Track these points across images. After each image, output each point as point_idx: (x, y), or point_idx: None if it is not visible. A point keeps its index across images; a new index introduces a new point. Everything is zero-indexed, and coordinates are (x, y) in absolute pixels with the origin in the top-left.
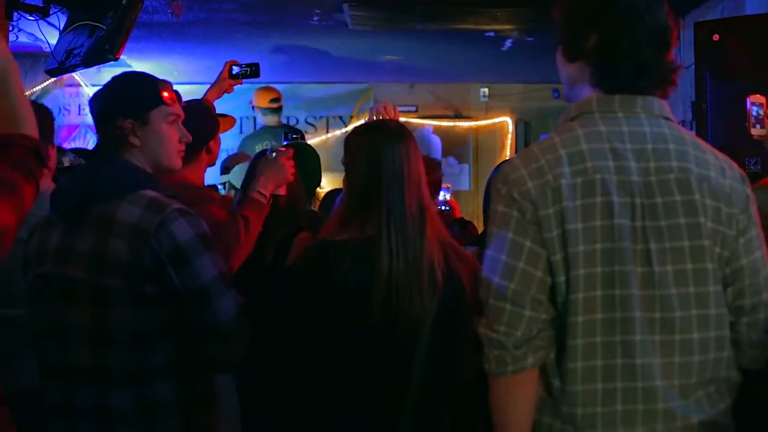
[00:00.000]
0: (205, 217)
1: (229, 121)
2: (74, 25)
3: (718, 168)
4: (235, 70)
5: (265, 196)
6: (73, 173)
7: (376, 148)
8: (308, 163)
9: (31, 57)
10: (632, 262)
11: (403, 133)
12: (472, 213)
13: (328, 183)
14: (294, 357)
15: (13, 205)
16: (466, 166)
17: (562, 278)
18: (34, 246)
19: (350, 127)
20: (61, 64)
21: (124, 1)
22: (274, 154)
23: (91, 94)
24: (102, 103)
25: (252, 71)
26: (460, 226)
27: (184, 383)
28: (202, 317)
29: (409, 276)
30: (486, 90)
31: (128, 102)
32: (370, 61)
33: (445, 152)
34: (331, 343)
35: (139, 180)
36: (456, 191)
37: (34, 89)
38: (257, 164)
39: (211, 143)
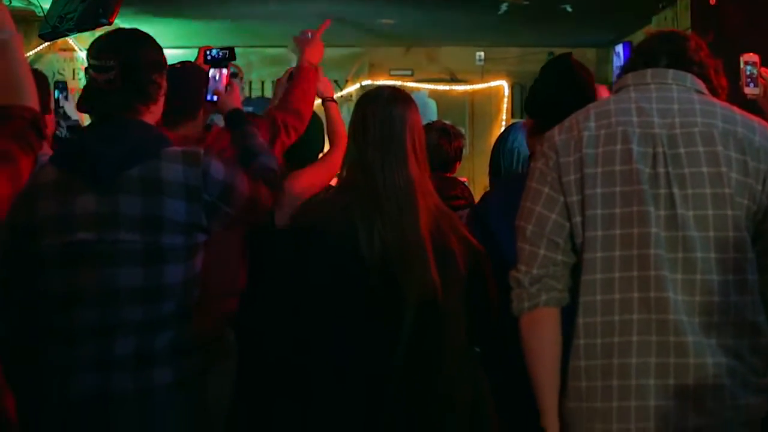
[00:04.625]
0: None
1: None
2: None
3: (748, 125)
4: (211, 54)
5: (313, 65)
6: (95, 135)
7: (368, 114)
8: (311, 127)
9: (24, 21)
10: (653, 204)
11: (397, 98)
12: (469, 177)
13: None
14: (293, 312)
15: (9, 176)
16: (462, 130)
17: (578, 218)
18: (42, 212)
19: (345, 92)
20: (55, 29)
21: None
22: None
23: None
24: (142, 51)
25: (229, 55)
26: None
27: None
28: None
29: (399, 246)
30: (482, 53)
31: (162, 59)
32: (365, 25)
33: (441, 116)
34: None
35: (163, 138)
36: None
37: (28, 54)
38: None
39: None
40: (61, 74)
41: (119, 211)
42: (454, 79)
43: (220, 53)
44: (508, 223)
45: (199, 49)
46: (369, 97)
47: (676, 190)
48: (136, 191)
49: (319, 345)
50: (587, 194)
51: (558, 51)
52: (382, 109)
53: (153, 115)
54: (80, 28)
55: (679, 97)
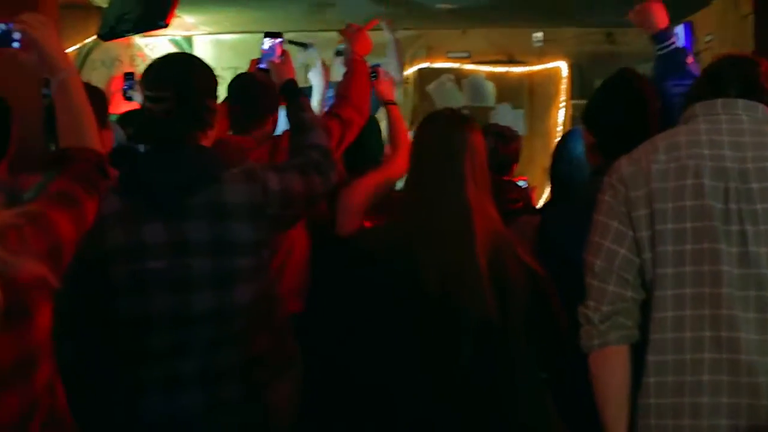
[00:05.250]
0: None
1: None
2: None
3: None
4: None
5: (362, 57)
6: (156, 164)
7: (426, 136)
8: (369, 132)
9: (82, 9)
10: (725, 241)
11: (457, 120)
12: (527, 158)
13: None
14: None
15: (74, 219)
16: (520, 112)
17: (648, 255)
18: (110, 242)
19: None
20: (112, 30)
21: None
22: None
23: (144, 45)
24: (195, 79)
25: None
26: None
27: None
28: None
29: (456, 272)
30: (540, 34)
31: (214, 84)
32: (423, 9)
33: (499, 98)
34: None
35: (223, 161)
36: None
37: (86, 41)
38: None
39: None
40: (119, 60)
41: (188, 238)
42: (512, 61)
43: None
44: (578, 248)
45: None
46: (428, 119)
47: (748, 227)
48: (203, 217)
49: (375, 372)
50: (657, 230)
51: (616, 31)
52: (440, 131)
53: (210, 138)
54: (138, 30)
55: (750, 129)
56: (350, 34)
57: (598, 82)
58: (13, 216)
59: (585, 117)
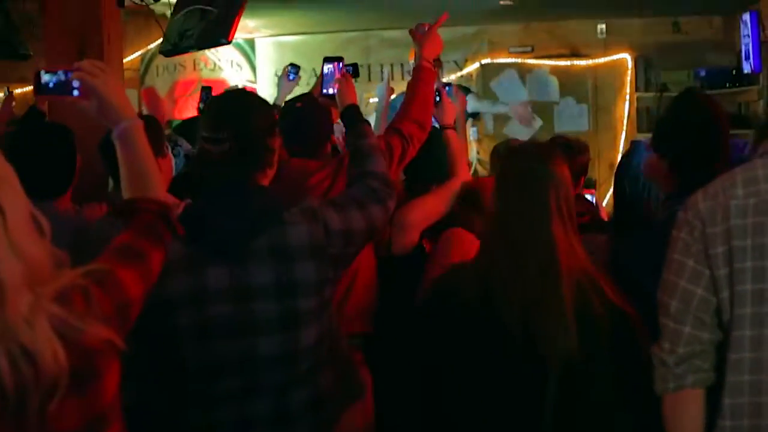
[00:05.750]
0: None
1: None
2: (185, 9)
3: None
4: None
5: (431, 62)
6: (217, 207)
7: (508, 169)
8: (436, 147)
9: (143, 15)
10: None
11: (540, 152)
12: (593, 154)
13: None
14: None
15: (140, 275)
16: (584, 107)
17: (726, 294)
18: (174, 289)
19: (465, 71)
20: (175, 46)
21: None
22: None
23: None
24: (253, 119)
25: (352, 71)
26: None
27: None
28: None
29: (539, 313)
30: (603, 26)
31: (274, 123)
32: (484, 4)
33: (563, 93)
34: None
35: (283, 201)
36: (574, 132)
37: (149, 47)
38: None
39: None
40: (181, 66)
41: (252, 282)
42: (575, 54)
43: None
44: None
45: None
46: (512, 151)
47: None
48: (266, 260)
49: (456, 413)
50: (736, 268)
51: (683, 20)
52: (523, 164)
53: (269, 177)
54: (200, 46)
55: None
56: (419, 35)
57: (664, 74)
58: (79, 276)
59: (655, 142)
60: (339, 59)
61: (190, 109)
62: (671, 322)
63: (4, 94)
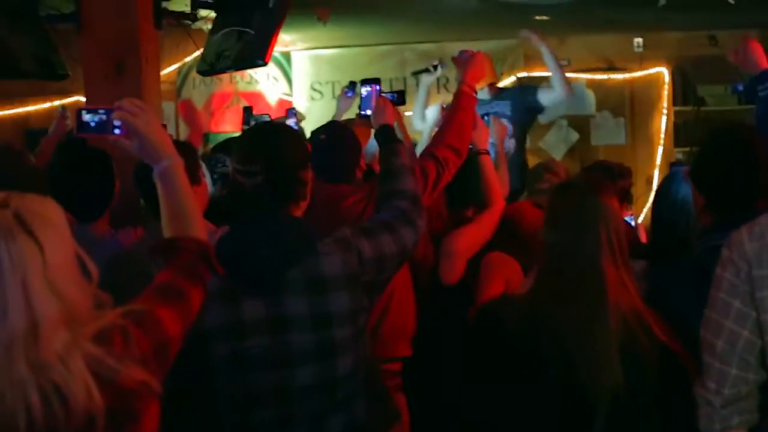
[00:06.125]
0: None
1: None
2: (223, 30)
3: None
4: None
5: (472, 88)
6: (251, 239)
7: (559, 204)
8: (468, 168)
9: (180, 28)
10: None
11: (591, 187)
12: (630, 166)
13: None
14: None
15: (180, 314)
16: (621, 120)
17: None
18: (210, 321)
19: (501, 84)
20: (212, 66)
21: (270, 4)
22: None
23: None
24: (286, 152)
25: (398, 99)
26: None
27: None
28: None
29: (585, 349)
30: (640, 40)
31: (306, 155)
32: (519, 18)
33: (599, 106)
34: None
35: (314, 231)
36: (611, 145)
37: (186, 59)
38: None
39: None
40: (218, 78)
41: (287, 313)
42: (612, 68)
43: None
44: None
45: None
46: (562, 187)
47: None
48: (301, 292)
49: None
50: None
51: (720, 34)
52: (574, 199)
53: (302, 208)
54: (237, 67)
55: None
56: (462, 60)
57: (701, 88)
58: (119, 316)
59: (693, 176)
60: (376, 80)
61: (226, 122)
62: (717, 362)
63: (59, 113)
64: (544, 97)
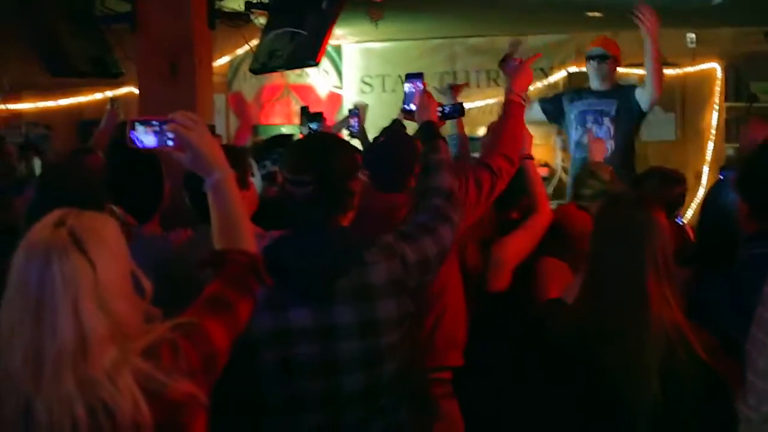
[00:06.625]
0: None
1: None
2: (276, 31)
3: None
4: (440, 112)
5: (521, 97)
6: (300, 248)
7: (607, 218)
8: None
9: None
10: None
11: (639, 202)
12: (679, 162)
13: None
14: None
15: (228, 326)
16: (671, 115)
17: None
18: (258, 328)
19: (552, 79)
20: (264, 65)
21: (323, 6)
22: None
23: None
24: (336, 163)
25: (459, 110)
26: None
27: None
28: None
29: (626, 367)
30: (693, 35)
31: (356, 166)
32: (572, 13)
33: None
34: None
35: (361, 241)
36: (661, 141)
37: (238, 52)
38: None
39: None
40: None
41: (335, 322)
42: (664, 63)
43: (450, 111)
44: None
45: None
46: (611, 200)
47: None
48: (349, 300)
49: None
50: None
51: None
52: (623, 213)
53: (349, 218)
54: (289, 66)
55: None
56: (510, 69)
57: (754, 84)
58: (168, 329)
59: (738, 183)
60: (419, 75)
61: (276, 115)
62: (759, 380)
63: (109, 107)
64: (642, 99)
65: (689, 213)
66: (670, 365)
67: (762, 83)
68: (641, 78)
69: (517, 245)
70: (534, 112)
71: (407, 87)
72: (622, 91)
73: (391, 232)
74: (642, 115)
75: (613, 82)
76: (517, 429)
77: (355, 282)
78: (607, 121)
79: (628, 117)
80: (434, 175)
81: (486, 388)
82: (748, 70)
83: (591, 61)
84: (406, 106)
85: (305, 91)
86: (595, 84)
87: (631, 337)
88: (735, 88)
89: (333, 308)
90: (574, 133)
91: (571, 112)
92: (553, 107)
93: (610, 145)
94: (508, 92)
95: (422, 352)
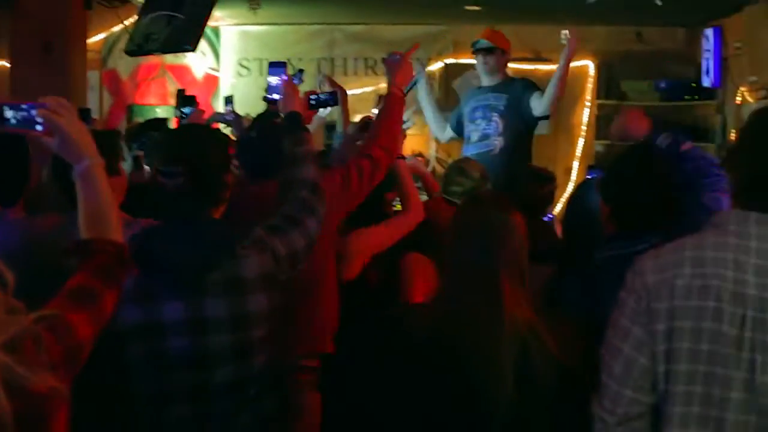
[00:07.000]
0: None
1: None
2: (153, 14)
3: None
4: (315, 100)
5: (401, 91)
6: (171, 239)
7: (464, 218)
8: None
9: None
10: (735, 368)
11: (497, 203)
12: (550, 157)
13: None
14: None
15: (92, 317)
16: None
17: (662, 368)
18: (127, 320)
19: (428, 70)
20: (140, 47)
21: None
22: None
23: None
24: (209, 155)
25: (333, 100)
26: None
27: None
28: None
29: (479, 363)
30: (567, 32)
31: (229, 158)
32: (450, 9)
33: None
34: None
35: (234, 234)
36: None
37: (113, 29)
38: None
39: None
40: None
41: (206, 315)
42: (539, 59)
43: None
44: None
45: (304, 93)
46: (470, 200)
47: (758, 356)
48: (220, 294)
49: None
50: (674, 347)
51: (646, 30)
52: (480, 213)
53: (220, 211)
54: (165, 50)
55: None
56: (392, 63)
57: (625, 83)
58: (31, 322)
59: (601, 187)
60: (283, 64)
61: (151, 94)
62: (613, 383)
63: None
64: (535, 107)
65: (558, 207)
66: (523, 364)
67: (633, 82)
68: (516, 71)
69: (372, 238)
70: (447, 133)
71: (271, 77)
72: (513, 86)
73: (260, 226)
74: (533, 119)
75: (504, 75)
76: (378, 418)
77: (226, 275)
78: (495, 116)
79: (518, 114)
80: (300, 168)
81: (348, 380)
82: (620, 69)
83: (477, 56)
84: (269, 96)
85: (181, 71)
86: (484, 79)
87: (486, 336)
88: (606, 85)
89: (204, 301)
90: (466, 130)
91: (465, 109)
92: (456, 118)
93: (499, 141)
94: (390, 86)
95: (293, 342)
